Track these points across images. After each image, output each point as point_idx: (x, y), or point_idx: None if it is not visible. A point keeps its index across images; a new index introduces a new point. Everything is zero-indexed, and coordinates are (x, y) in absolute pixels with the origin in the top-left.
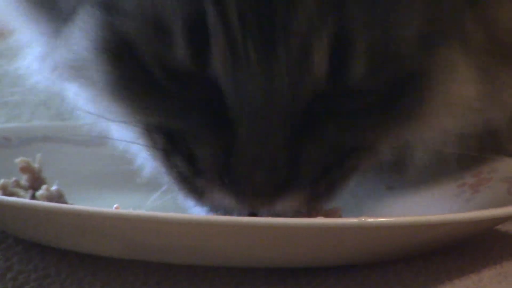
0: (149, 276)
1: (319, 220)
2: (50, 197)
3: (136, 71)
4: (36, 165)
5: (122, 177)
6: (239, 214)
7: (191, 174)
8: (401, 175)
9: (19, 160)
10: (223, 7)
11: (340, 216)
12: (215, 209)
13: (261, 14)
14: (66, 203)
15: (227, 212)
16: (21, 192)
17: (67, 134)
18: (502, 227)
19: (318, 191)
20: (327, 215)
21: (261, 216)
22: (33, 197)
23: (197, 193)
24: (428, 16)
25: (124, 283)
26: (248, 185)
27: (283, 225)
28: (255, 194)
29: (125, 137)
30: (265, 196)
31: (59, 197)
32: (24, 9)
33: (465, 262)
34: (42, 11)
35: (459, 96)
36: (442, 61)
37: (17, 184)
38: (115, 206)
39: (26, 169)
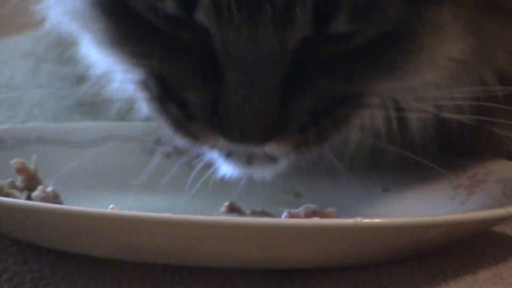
0: (144, 277)
1: (314, 221)
2: (45, 198)
3: (131, 19)
4: (31, 166)
5: (118, 178)
6: (238, 153)
7: (184, 118)
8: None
9: (14, 161)
10: None
11: (335, 218)
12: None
13: None
14: (61, 204)
15: (227, 151)
16: (17, 193)
17: (62, 135)
18: (498, 229)
19: (307, 138)
20: (322, 216)
21: (256, 158)
22: (28, 198)
23: (192, 136)
24: None
25: (119, 284)
26: (236, 126)
27: (278, 225)
28: (245, 137)
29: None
30: (253, 136)
31: (54, 198)
32: None
33: (460, 263)
34: None
35: (445, 51)
36: (430, 18)
37: (13, 185)
38: (110, 206)
39: (22, 170)
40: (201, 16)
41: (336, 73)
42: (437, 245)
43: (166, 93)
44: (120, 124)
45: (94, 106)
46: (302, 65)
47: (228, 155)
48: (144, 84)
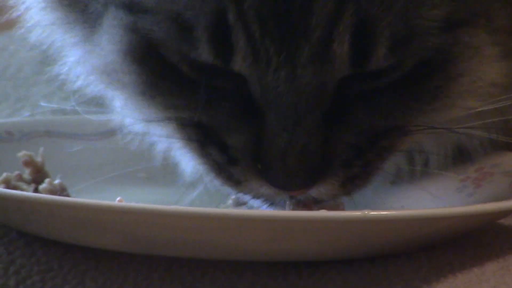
0: (151, 270)
1: (322, 213)
2: (53, 191)
3: (163, 69)
4: (38, 159)
5: (125, 170)
6: (280, 202)
7: (226, 162)
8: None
9: (21, 154)
10: (243, 4)
11: (343, 210)
12: (257, 197)
13: (279, 9)
14: (69, 196)
15: (271, 200)
16: (24, 185)
17: (69, 128)
18: (505, 221)
19: (352, 174)
20: (330, 208)
21: (300, 202)
22: (36, 190)
23: (233, 180)
24: (452, 2)
25: (126, 276)
26: (281, 171)
27: (285, 218)
28: (289, 180)
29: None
30: (299, 181)
31: (62, 191)
32: (57, 12)
33: (467, 255)
34: (74, 14)
35: (484, 75)
36: (467, 41)
37: (20, 178)
38: (118, 199)
39: (29, 163)
40: (239, 63)
41: (377, 107)
42: (444, 238)
43: (205, 137)
44: None
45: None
46: (342, 101)
47: (271, 204)
48: (181, 129)
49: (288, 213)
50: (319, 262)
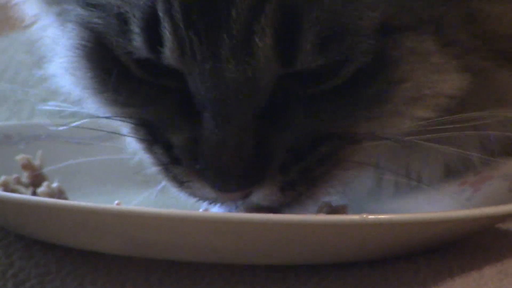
0: (150, 273)
1: (320, 217)
2: (51, 194)
3: (111, 65)
4: (37, 162)
5: (123, 173)
6: (221, 205)
7: (169, 162)
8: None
9: (20, 157)
10: None
11: (345, 213)
12: (202, 199)
13: (204, 4)
14: (67, 199)
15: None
16: (22, 189)
17: (67, 131)
18: (503, 225)
19: (292, 179)
20: (333, 211)
21: (238, 208)
22: (34, 194)
23: (177, 181)
24: (391, 6)
25: (125, 280)
26: (214, 170)
27: (284, 222)
28: (224, 181)
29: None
30: (234, 182)
31: (60, 194)
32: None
33: (466, 259)
34: (52, 10)
35: (432, 84)
36: (410, 46)
37: (18, 181)
38: (116, 202)
39: (27, 166)
40: (168, 56)
41: (318, 111)
42: (442, 241)
43: (152, 136)
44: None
45: None
46: (280, 104)
47: (220, 205)
48: (133, 127)
49: (287, 216)
50: (318, 265)
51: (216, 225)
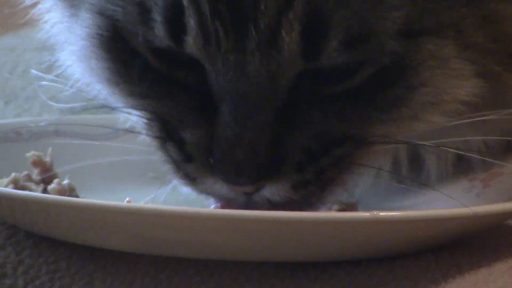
0: (159, 270)
1: (331, 214)
2: (61, 191)
3: (127, 56)
4: (47, 159)
5: (134, 171)
6: (233, 202)
7: (182, 159)
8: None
9: (30, 154)
10: None
11: (356, 210)
12: (214, 196)
13: None
14: (77, 197)
15: (226, 201)
16: (33, 186)
17: (78, 128)
18: None
19: (305, 179)
20: (343, 209)
21: (250, 203)
22: (44, 191)
23: (190, 178)
24: (415, 8)
25: (134, 277)
26: (229, 164)
27: (293, 219)
28: (237, 174)
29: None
30: (247, 175)
31: (70, 191)
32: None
33: (475, 256)
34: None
35: (450, 89)
36: (431, 50)
37: (29, 178)
38: (126, 200)
39: (38, 163)
40: (190, 45)
41: (334, 112)
42: (452, 238)
43: (165, 132)
44: None
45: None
46: (298, 103)
47: (228, 203)
48: (148, 123)
49: (297, 214)
50: (327, 262)
51: (226, 222)
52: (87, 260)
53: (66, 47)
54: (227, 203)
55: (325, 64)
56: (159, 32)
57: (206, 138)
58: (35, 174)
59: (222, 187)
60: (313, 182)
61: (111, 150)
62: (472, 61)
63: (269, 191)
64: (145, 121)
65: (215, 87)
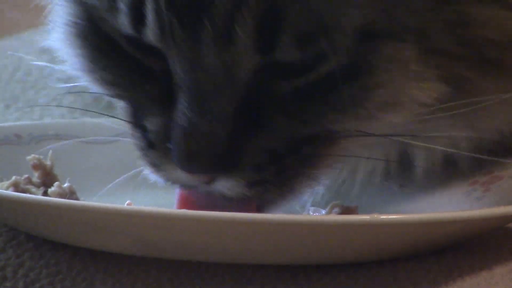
0: (161, 273)
1: (331, 217)
2: (62, 194)
3: (103, 43)
4: (48, 162)
5: (134, 173)
6: (195, 190)
7: (146, 146)
8: (409, 175)
9: (30, 157)
10: None
11: (356, 213)
12: (176, 183)
13: None
14: (78, 200)
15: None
16: (33, 189)
17: (78, 131)
18: None
19: (262, 178)
20: (344, 212)
21: (211, 194)
22: (45, 194)
23: (154, 165)
24: (375, 10)
25: (136, 280)
26: (183, 150)
27: (294, 222)
28: (190, 161)
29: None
30: (199, 164)
31: (71, 194)
32: None
33: (476, 259)
34: None
35: (409, 92)
36: (389, 54)
37: (29, 181)
38: (127, 202)
39: (38, 166)
40: (149, 36)
41: (294, 110)
42: (453, 241)
43: (135, 119)
44: None
45: (111, 102)
46: (258, 100)
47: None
48: (123, 109)
49: (298, 217)
50: (329, 265)
51: (227, 225)
52: (88, 263)
53: (54, 29)
54: (189, 192)
55: (281, 59)
56: (123, 21)
57: (166, 126)
58: (36, 177)
59: (181, 175)
60: (272, 180)
61: (111, 153)
62: (436, 65)
63: (222, 184)
64: (122, 107)
65: (174, 76)
